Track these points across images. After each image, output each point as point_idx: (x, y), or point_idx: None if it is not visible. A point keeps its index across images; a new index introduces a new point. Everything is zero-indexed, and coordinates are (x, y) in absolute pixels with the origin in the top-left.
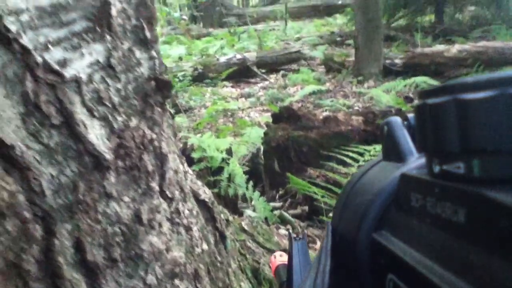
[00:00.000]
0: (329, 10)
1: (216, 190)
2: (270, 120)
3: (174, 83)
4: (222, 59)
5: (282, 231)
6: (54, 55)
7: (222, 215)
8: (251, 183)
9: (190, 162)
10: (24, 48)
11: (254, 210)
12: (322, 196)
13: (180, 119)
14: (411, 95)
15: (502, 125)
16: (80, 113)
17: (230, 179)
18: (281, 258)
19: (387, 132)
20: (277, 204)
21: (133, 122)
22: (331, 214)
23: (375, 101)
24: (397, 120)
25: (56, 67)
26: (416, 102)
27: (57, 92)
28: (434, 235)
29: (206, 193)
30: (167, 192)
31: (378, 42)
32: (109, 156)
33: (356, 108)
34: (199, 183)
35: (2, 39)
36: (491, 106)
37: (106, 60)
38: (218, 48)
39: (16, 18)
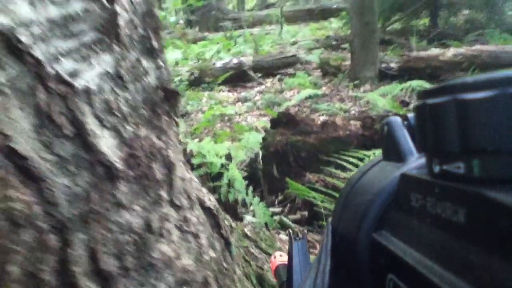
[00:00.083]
0: (324, 14)
1: (216, 196)
2: (268, 124)
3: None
4: (219, 63)
5: (283, 236)
6: (65, 66)
7: (226, 222)
8: (251, 188)
9: (190, 168)
10: (36, 60)
11: (253, 216)
12: (322, 201)
13: None
14: (407, 99)
15: (502, 125)
16: (91, 124)
17: (229, 184)
18: (281, 258)
19: (387, 132)
20: (277, 210)
21: (142, 131)
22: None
23: (371, 105)
24: (397, 120)
25: (67, 78)
26: (412, 105)
27: (68, 103)
28: (434, 235)
29: (211, 200)
30: (175, 200)
31: (374, 46)
32: (120, 165)
33: (353, 112)
34: (204, 190)
35: (15, 51)
36: (491, 106)
37: (115, 70)
38: (215, 52)
39: (28, 30)
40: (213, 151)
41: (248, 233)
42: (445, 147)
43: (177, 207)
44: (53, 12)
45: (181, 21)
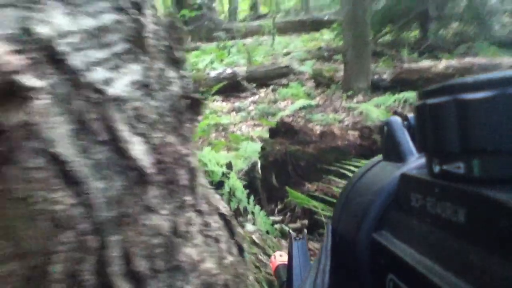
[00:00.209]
0: (315, 26)
1: None
2: (263, 134)
3: None
4: (213, 73)
5: (284, 243)
6: (98, 75)
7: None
8: (252, 197)
9: None
10: (72, 68)
11: (253, 224)
12: (322, 209)
13: None
14: (400, 110)
15: (502, 125)
16: (123, 130)
17: (230, 193)
18: (281, 258)
19: (387, 132)
20: (277, 218)
21: (169, 138)
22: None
23: (364, 115)
24: (397, 120)
25: (101, 86)
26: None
27: (102, 110)
28: (434, 235)
29: (225, 207)
30: (198, 206)
31: (367, 57)
32: (150, 171)
33: (346, 122)
34: (217, 196)
35: (54, 60)
36: (491, 106)
37: (143, 79)
38: (208, 62)
39: (65, 40)
40: (214, 160)
41: (256, 240)
42: (445, 147)
43: (199, 212)
44: (88, 23)
45: None
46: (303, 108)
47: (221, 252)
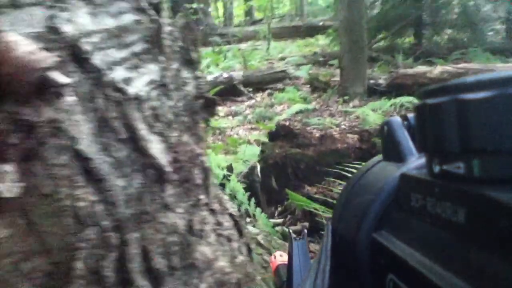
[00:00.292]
0: (310, 31)
1: None
2: (260, 138)
3: None
4: (209, 77)
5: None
6: (119, 74)
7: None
8: (253, 199)
9: None
10: (95, 67)
11: (254, 226)
12: (322, 212)
13: None
14: (395, 114)
15: (502, 125)
16: (142, 129)
17: (231, 195)
18: (281, 258)
19: (387, 132)
20: (278, 221)
21: (184, 137)
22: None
23: (361, 119)
24: (397, 120)
25: (121, 85)
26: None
27: (122, 109)
28: (434, 235)
29: (233, 207)
30: (211, 205)
31: (363, 62)
32: (168, 169)
33: (343, 126)
34: (226, 197)
35: (77, 58)
36: (491, 106)
37: (160, 79)
38: (204, 66)
39: (89, 39)
40: (214, 162)
41: (261, 242)
42: (445, 147)
43: (212, 211)
44: (109, 22)
45: None
46: (300, 112)
47: (233, 251)
